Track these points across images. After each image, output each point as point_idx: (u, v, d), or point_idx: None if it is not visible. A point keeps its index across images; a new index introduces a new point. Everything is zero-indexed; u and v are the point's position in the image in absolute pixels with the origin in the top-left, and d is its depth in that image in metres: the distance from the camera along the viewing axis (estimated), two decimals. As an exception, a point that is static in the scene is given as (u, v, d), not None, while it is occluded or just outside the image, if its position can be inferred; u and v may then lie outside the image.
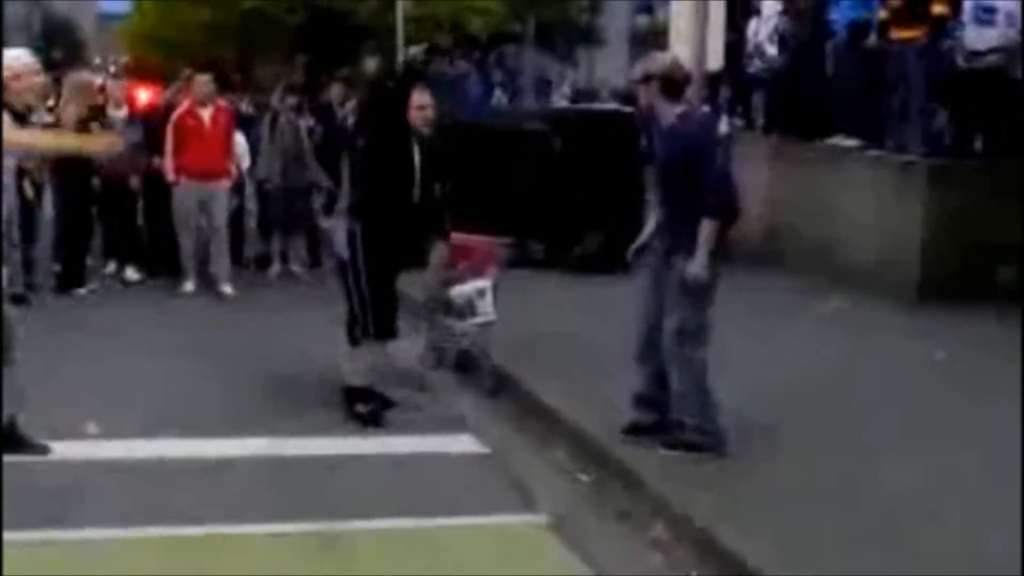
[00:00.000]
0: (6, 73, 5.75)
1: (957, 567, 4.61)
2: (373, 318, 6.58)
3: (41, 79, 6.22)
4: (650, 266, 5.99)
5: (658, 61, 5.95)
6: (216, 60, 15.47)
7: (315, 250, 11.58)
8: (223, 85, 12.03)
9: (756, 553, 4.73)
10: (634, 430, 6.04)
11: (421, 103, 6.77)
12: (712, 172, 5.69)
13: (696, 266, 5.60)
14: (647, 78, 5.79)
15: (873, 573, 4.58)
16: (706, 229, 5.58)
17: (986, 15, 9.81)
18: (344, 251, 6.59)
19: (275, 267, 11.62)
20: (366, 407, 6.66)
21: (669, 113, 5.78)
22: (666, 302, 5.78)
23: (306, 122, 11.55)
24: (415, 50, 17.40)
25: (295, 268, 11.61)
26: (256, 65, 23.28)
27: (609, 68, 28.23)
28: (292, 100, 11.53)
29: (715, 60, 6.65)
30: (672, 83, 5.77)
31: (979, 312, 8.98)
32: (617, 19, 30.29)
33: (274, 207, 11.55)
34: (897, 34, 10.04)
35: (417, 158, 6.75)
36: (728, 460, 5.83)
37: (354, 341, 6.73)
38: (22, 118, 5.85)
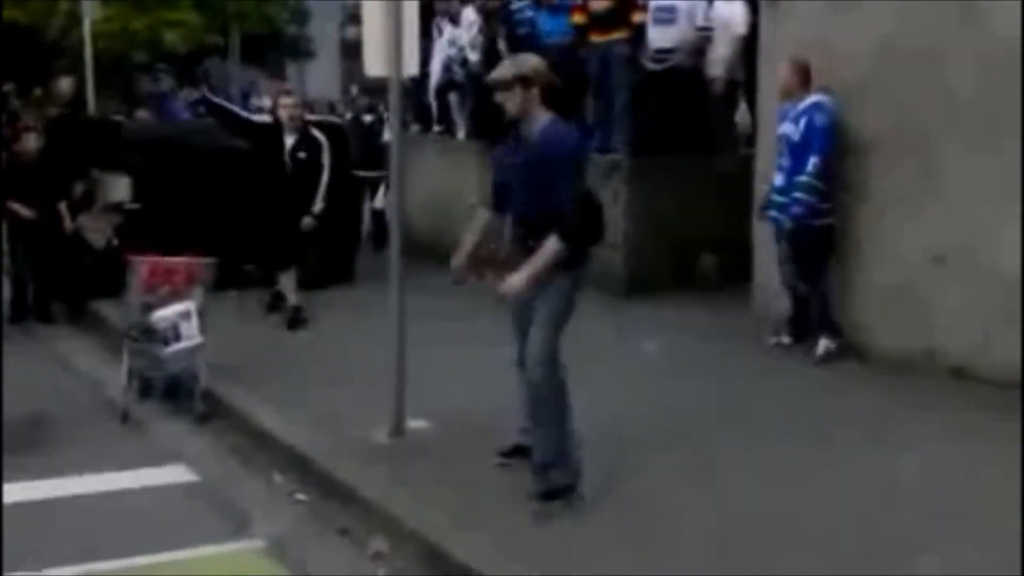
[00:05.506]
0: None
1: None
2: None
3: None
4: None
5: (531, 63, 5.37)
6: None
7: (22, 299, 10.46)
8: None
9: (478, 556, 4.75)
10: (516, 451, 5.71)
11: None
12: (569, 189, 5.17)
13: (515, 281, 5.13)
14: (524, 80, 5.24)
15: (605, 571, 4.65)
16: (547, 249, 5.10)
17: (666, 14, 10.25)
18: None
19: None
20: None
21: (541, 121, 5.29)
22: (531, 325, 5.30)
23: None
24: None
25: None
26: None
27: (320, 79, 27.96)
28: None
29: (411, 66, 6.58)
30: (552, 88, 5.33)
31: (682, 302, 9.44)
32: (326, 30, 30.03)
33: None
34: (596, 38, 10.31)
35: None
36: (445, 465, 5.82)
37: None
38: None
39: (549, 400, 5.29)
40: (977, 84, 7.26)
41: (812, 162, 7.76)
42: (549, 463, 5.32)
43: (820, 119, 7.79)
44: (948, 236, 7.41)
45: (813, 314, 8.04)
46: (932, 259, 7.47)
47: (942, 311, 7.45)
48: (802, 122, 7.85)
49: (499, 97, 5.31)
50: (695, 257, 10.21)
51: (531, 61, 5.40)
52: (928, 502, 5.29)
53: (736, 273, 9.14)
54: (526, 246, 5.26)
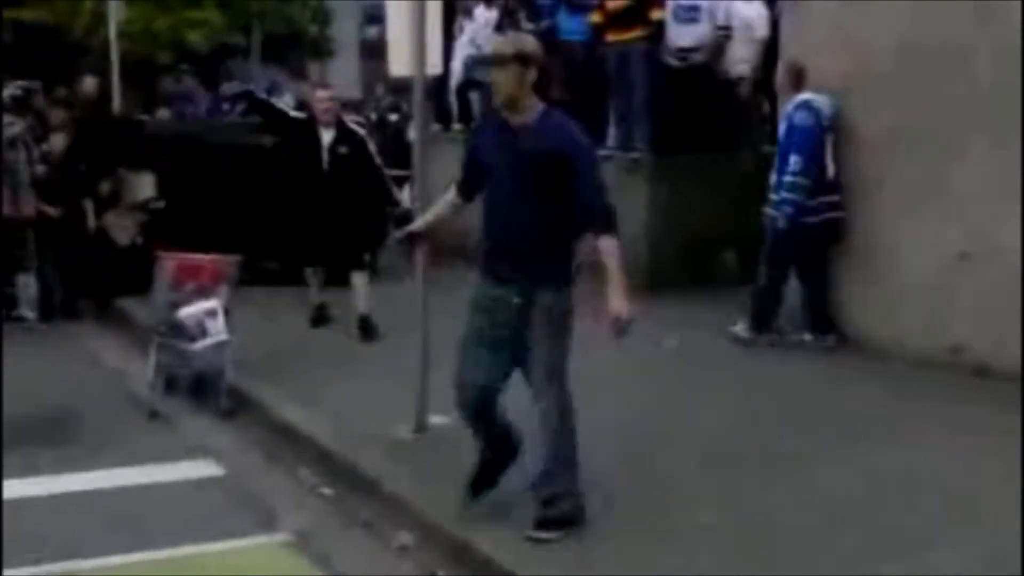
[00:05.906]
0: None
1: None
2: None
3: None
4: (484, 300, 5.05)
5: (532, 42, 4.89)
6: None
7: (49, 297, 10.45)
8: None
9: (502, 551, 4.79)
10: None
11: None
12: (594, 181, 4.74)
13: (621, 307, 4.63)
14: (523, 58, 4.74)
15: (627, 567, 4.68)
16: (614, 253, 4.68)
17: (690, 13, 10.27)
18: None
19: None
20: None
21: (535, 109, 4.82)
22: (531, 344, 4.86)
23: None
24: None
25: (26, 313, 10.36)
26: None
27: (340, 79, 28.07)
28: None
29: (435, 66, 6.64)
30: (547, 75, 4.85)
31: (701, 297, 9.48)
32: (347, 30, 30.15)
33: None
34: (614, 36, 10.34)
35: None
36: (468, 461, 5.82)
37: None
38: None
39: (565, 430, 4.93)
40: (996, 80, 7.27)
41: (793, 160, 7.86)
42: (559, 494, 4.91)
43: (799, 118, 7.89)
44: (968, 233, 7.42)
45: (807, 309, 8.16)
46: (957, 255, 7.45)
47: (961, 308, 7.46)
48: (787, 122, 7.97)
49: (492, 75, 4.84)
50: (715, 253, 10.24)
51: (531, 40, 4.96)
52: (941, 497, 5.31)
53: (756, 269, 9.15)
54: (499, 242, 4.98)
